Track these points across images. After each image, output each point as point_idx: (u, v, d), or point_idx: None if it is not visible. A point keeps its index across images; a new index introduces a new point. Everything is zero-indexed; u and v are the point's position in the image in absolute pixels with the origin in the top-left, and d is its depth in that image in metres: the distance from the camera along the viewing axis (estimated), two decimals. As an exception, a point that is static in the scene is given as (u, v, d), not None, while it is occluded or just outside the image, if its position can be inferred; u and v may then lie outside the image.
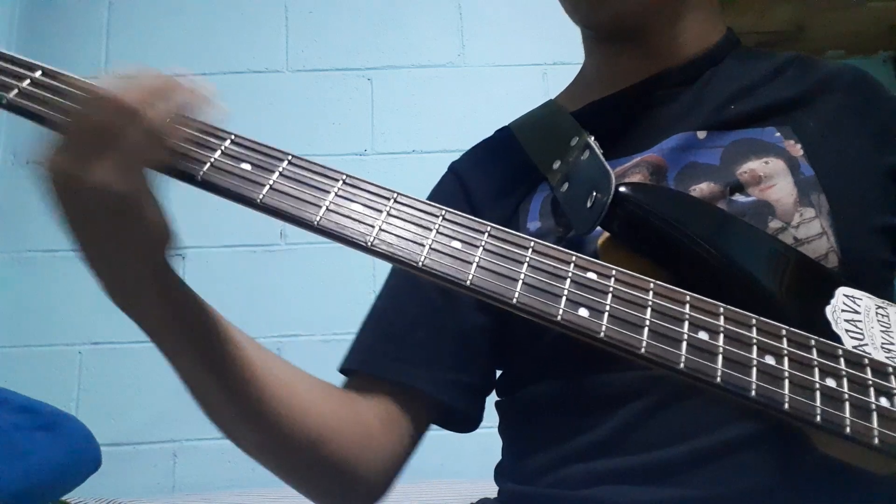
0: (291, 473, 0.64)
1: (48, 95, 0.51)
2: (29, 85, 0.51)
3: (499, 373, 0.74)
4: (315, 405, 0.62)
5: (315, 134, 1.86)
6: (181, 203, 1.82)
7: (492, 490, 0.72)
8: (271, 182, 0.50)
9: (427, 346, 0.70)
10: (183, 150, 0.50)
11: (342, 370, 0.73)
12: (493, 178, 0.75)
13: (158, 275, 0.52)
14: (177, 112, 0.48)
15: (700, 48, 0.72)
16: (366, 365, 0.72)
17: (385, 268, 0.51)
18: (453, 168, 0.81)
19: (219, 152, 0.51)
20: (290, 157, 0.52)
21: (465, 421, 0.73)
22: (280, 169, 0.51)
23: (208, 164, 0.50)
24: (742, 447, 0.55)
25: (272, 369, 0.59)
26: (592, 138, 0.65)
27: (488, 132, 0.83)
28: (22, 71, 0.52)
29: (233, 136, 0.52)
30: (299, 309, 1.75)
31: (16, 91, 0.50)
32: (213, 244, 1.78)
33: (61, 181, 0.46)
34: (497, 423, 0.74)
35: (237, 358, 0.55)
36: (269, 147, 0.52)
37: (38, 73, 0.52)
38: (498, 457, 0.74)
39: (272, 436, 0.59)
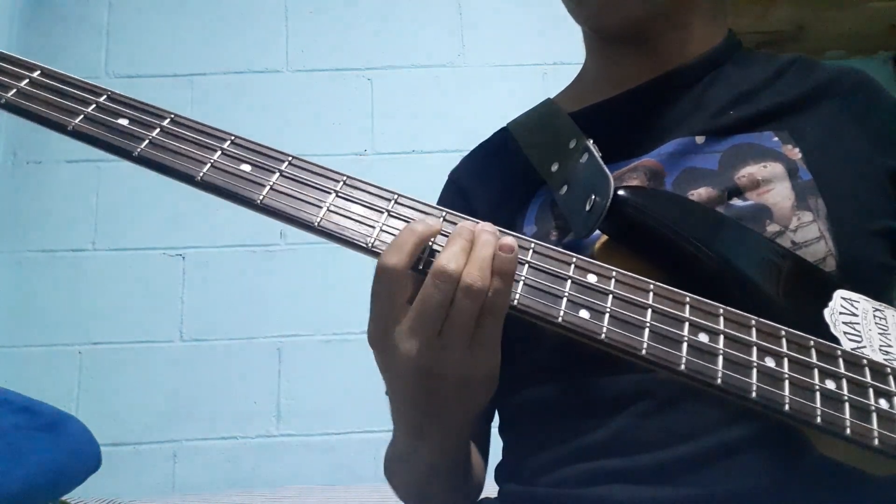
0: None
1: (47, 96, 0.51)
2: (27, 85, 0.51)
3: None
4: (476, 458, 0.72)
5: (315, 134, 1.87)
6: (181, 203, 1.82)
7: (492, 490, 0.72)
8: (271, 183, 0.50)
9: None
10: (184, 150, 0.50)
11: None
12: (492, 186, 0.75)
13: (469, 424, 0.57)
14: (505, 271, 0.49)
15: (701, 51, 0.72)
16: None
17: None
18: (453, 178, 0.81)
19: (219, 153, 0.51)
20: (290, 159, 0.52)
21: (490, 418, 0.77)
22: (280, 170, 0.51)
23: (208, 165, 0.50)
24: (741, 448, 0.55)
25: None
26: (591, 141, 0.65)
27: (488, 132, 0.83)
28: (21, 71, 0.52)
29: (233, 138, 0.52)
30: (299, 309, 1.76)
31: (14, 91, 0.51)
32: (213, 244, 1.79)
33: (428, 364, 0.48)
34: (497, 424, 0.74)
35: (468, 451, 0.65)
36: (270, 148, 0.52)
37: (36, 74, 0.52)
38: (498, 457, 0.74)
39: (460, 488, 0.68)
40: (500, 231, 0.51)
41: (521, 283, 0.49)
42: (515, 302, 0.48)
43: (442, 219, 0.51)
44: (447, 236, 0.50)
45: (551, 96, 0.81)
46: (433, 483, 0.65)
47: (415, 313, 0.48)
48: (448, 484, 0.65)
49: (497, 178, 0.76)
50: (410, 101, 1.92)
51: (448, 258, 0.48)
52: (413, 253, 0.48)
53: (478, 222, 0.51)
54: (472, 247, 0.49)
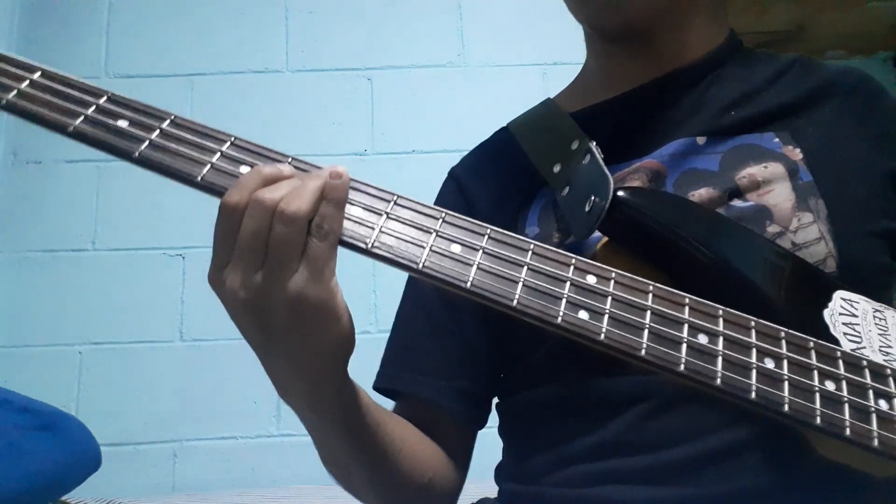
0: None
1: (47, 97, 0.51)
2: (28, 86, 0.51)
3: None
4: (413, 450, 0.68)
5: (315, 134, 1.87)
6: (181, 203, 1.82)
7: (492, 490, 0.72)
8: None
9: (433, 358, 0.73)
10: (184, 152, 0.50)
11: (376, 388, 0.75)
12: (493, 185, 0.75)
13: (339, 378, 0.54)
14: (333, 201, 0.49)
15: (702, 52, 0.72)
16: (385, 380, 0.76)
17: (385, 268, 0.51)
18: (454, 174, 0.81)
19: (218, 155, 0.51)
20: (289, 160, 0.52)
21: (470, 424, 0.75)
22: None
23: (208, 167, 0.50)
24: (742, 449, 0.55)
25: (389, 426, 0.64)
26: (594, 143, 0.65)
27: (488, 132, 0.83)
28: (21, 72, 0.52)
29: (232, 139, 0.52)
30: (299, 309, 1.75)
31: (15, 92, 0.50)
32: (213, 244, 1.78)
33: (253, 299, 0.47)
34: (497, 424, 0.74)
35: (369, 426, 0.60)
36: (269, 150, 0.52)
37: (37, 75, 0.52)
38: (498, 457, 0.74)
39: (382, 476, 0.64)
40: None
41: (521, 284, 0.48)
42: (514, 303, 0.48)
43: (441, 220, 0.51)
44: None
45: (551, 96, 0.81)
46: (337, 457, 0.63)
47: (236, 248, 0.48)
48: (356, 461, 0.62)
49: (498, 178, 0.76)
50: (410, 101, 1.92)
51: (269, 190, 0.47)
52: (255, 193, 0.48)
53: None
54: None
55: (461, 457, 0.74)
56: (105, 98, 0.52)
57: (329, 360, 0.51)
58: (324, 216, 0.47)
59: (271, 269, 0.47)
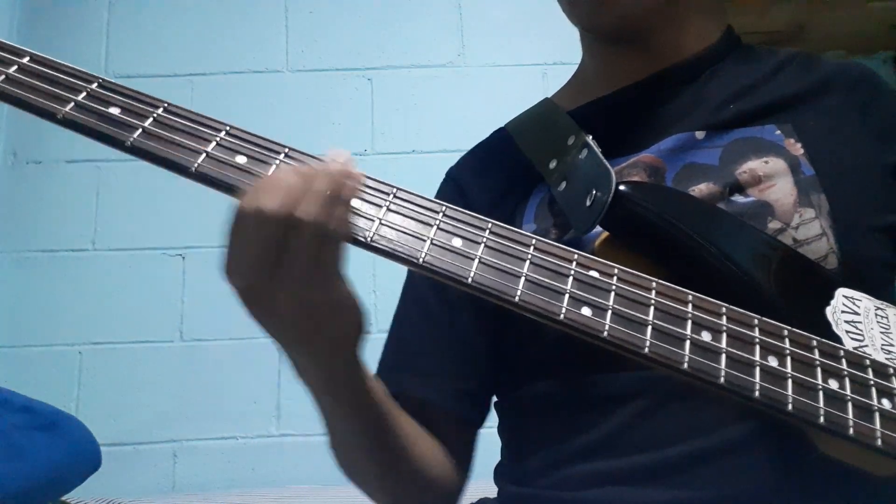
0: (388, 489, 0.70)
1: (36, 82, 0.49)
2: (16, 71, 0.50)
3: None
4: (421, 446, 0.69)
5: (315, 134, 1.86)
6: (181, 203, 1.82)
7: (491, 490, 0.72)
8: (268, 175, 0.49)
9: (430, 358, 0.72)
10: (178, 140, 0.49)
11: None
12: (490, 183, 0.75)
13: (353, 360, 0.56)
14: (340, 199, 0.47)
15: (700, 47, 0.72)
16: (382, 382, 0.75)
17: (385, 266, 0.50)
18: (451, 176, 0.81)
19: (214, 143, 0.50)
20: (286, 150, 0.51)
21: (469, 424, 0.74)
22: (277, 162, 0.50)
23: (203, 156, 0.49)
24: (742, 448, 0.55)
25: (399, 418, 0.66)
26: (590, 137, 0.65)
27: (488, 132, 0.83)
28: (9, 56, 0.50)
29: (228, 128, 0.51)
30: (299, 309, 1.75)
31: (2, 77, 0.49)
32: (213, 244, 1.78)
33: (264, 297, 0.49)
34: (497, 424, 0.74)
35: (381, 413, 0.62)
36: (265, 139, 0.51)
37: (25, 59, 0.50)
38: (498, 457, 0.73)
39: (391, 467, 0.65)
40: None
41: (523, 279, 0.48)
42: (517, 298, 0.47)
43: (442, 214, 0.50)
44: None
45: (550, 96, 0.81)
46: (347, 443, 0.64)
47: (245, 252, 0.47)
48: (367, 449, 0.63)
49: (495, 176, 0.75)
50: (410, 101, 1.92)
51: (274, 199, 0.46)
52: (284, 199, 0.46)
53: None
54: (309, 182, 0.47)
55: (462, 457, 0.73)
56: (96, 84, 0.50)
57: (342, 344, 0.53)
58: (333, 218, 0.46)
59: (283, 273, 0.47)
